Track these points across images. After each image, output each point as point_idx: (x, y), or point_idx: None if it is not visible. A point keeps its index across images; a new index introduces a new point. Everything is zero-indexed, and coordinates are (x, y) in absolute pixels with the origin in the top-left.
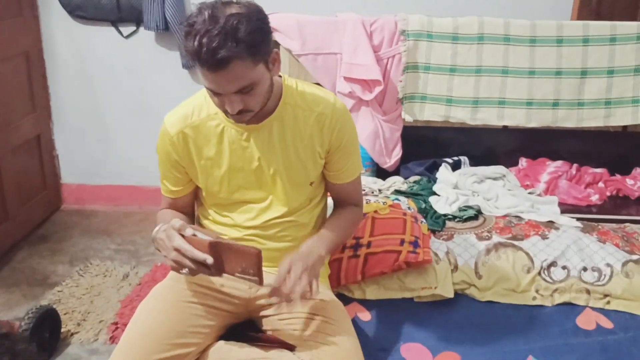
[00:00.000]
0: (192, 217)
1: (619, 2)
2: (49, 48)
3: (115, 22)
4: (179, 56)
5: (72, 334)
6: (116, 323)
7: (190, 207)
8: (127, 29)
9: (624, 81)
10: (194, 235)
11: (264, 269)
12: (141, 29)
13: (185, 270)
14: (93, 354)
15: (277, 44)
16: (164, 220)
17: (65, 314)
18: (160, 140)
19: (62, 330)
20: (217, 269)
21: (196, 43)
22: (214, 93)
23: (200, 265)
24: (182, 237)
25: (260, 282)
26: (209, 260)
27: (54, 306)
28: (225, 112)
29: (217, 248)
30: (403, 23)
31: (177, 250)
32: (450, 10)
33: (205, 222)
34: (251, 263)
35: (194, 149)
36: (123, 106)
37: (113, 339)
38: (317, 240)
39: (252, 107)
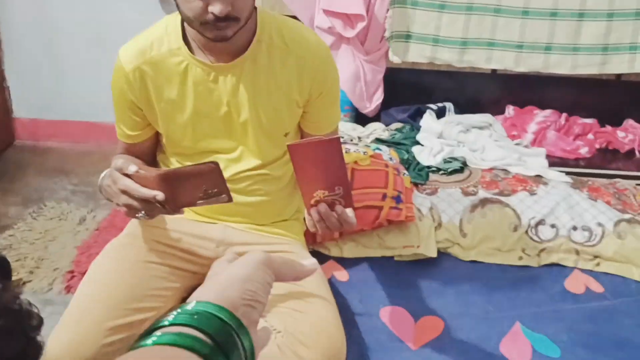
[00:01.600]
0: (152, 165)
1: None
2: None
3: None
4: None
5: (24, 283)
6: (72, 271)
7: (150, 154)
8: None
9: (623, 26)
10: (138, 172)
11: (234, 225)
12: None
13: (141, 214)
14: (47, 305)
15: None
16: None
17: (16, 260)
18: (115, 76)
19: (13, 279)
20: (174, 204)
21: None
22: None
23: (153, 205)
24: (127, 176)
25: (229, 199)
26: (159, 196)
27: (4, 252)
28: (205, 23)
29: (167, 179)
30: None
31: (124, 192)
32: None
33: None
34: (211, 181)
35: (153, 89)
36: (79, 36)
37: (69, 289)
38: None
39: (239, 12)
